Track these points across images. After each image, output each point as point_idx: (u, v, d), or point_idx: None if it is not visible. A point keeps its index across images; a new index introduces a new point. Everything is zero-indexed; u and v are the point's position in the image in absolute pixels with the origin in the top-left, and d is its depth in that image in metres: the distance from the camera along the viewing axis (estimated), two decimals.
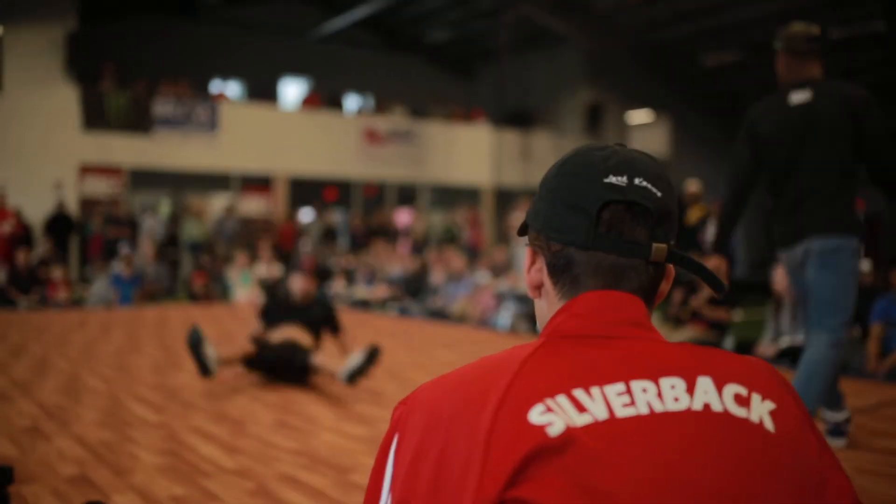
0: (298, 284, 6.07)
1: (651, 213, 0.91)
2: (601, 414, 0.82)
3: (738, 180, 3.66)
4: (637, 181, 0.91)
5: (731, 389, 0.87)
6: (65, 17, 15.92)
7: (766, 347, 6.69)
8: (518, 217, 12.85)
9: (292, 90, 21.70)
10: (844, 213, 3.50)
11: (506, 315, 9.54)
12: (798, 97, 3.58)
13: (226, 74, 18.73)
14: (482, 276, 11.11)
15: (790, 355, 6.46)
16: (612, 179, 0.91)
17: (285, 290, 6.42)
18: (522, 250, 8.36)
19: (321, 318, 5.94)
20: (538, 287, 0.98)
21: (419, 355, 7.20)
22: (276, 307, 6.09)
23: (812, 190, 3.48)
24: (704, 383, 0.87)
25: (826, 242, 3.43)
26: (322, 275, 6.17)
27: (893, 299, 6.26)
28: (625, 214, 0.91)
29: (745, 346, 7.06)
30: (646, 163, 0.94)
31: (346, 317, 10.78)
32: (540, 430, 0.80)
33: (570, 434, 0.80)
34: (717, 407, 0.85)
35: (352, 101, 20.58)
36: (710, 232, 10.94)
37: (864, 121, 3.42)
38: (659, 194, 0.92)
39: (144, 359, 6.73)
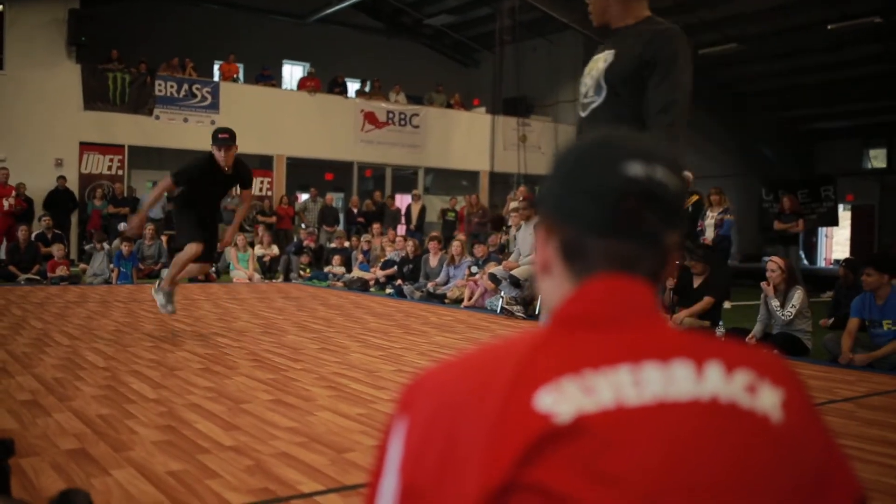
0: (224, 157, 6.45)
1: (667, 203, 0.91)
2: (610, 399, 0.82)
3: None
4: (656, 171, 0.91)
5: (741, 376, 0.87)
6: None
7: (758, 335, 6.76)
8: (514, 202, 12.89)
9: (292, 73, 21.66)
10: None
11: (498, 299, 9.58)
12: None
13: (226, 57, 18.68)
14: (477, 261, 11.14)
15: (780, 344, 6.52)
16: (631, 167, 0.90)
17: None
18: (520, 234, 8.38)
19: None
20: (548, 267, 0.97)
21: (415, 337, 7.25)
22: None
23: None
24: (714, 369, 0.86)
25: None
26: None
27: (868, 298, 6.33)
28: (641, 203, 0.90)
29: (737, 335, 7.12)
30: (663, 151, 0.94)
31: (343, 298, 10.84)
32: (547, 416, 0.80)
33: (578, 419, 0.80)
34: (725, 395, 0.85)
35: (352, 85, 20.54)
36: (710, 216, 11.05)
37: None
38: (675, 184, 0.92)
39: (143, 335, 6.78)
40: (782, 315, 6.61)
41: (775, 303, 6.70)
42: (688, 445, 0.81)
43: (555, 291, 0.96)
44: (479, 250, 11.49)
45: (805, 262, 19.95)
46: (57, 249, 12.44)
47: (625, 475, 0.78)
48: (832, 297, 9.82)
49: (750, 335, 6.83)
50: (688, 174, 9.88)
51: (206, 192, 6.41)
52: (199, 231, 6.44)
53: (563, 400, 0.81)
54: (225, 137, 6.41)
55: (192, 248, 6.39)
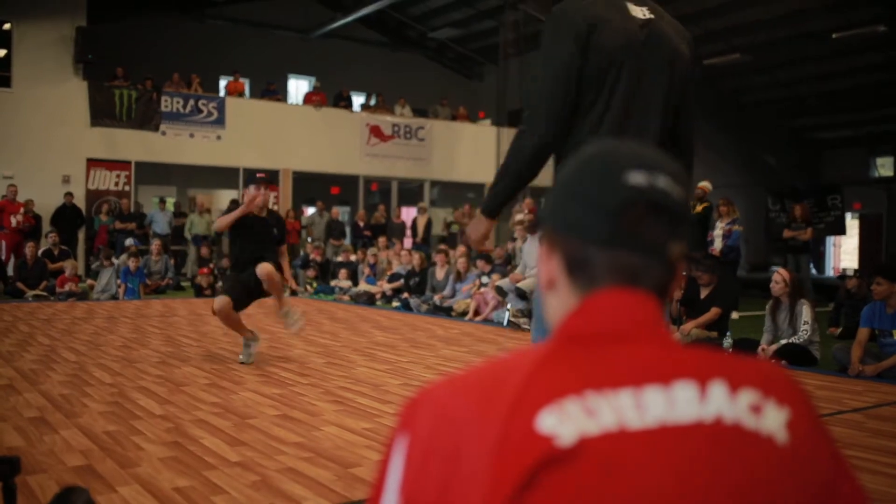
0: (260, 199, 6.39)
1: (670, 212, 0.90)
2: (612, 422, 0.81)
3: (560, 109, 2.37)
4: (658, 180, 0.90)
5: (746, 396, 0.85)
6: (74, 14, 15.98)
7: (765, 347, 6.73)
8: (520, 215, 12.89)
9: (298, 87, 21.74)
10: None
11: (505, 311, 9.57)
12: (638, 11, 2.45)
13: (231, 72, 18.78)
14: (483, 273, 11.13)
15: (789, 355, 6.50)
16: (634, 177, 0.89)
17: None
18: (526, 246, 8.36)
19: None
20: (552, 283, 0.96)
21: (422, 351, 7.24)
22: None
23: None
24: (718, 389, 0.85)
25: None
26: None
27: (878, 307, 6.30)
28: (646, 213, 0.89)
29: (744, 345, 7.09)
30: (666, 160, 0.93)
31: (349, 311, 10.84)
32: (549, 438, 0.79)
33: (579, 443, 0.79)
34: (729, 417, 0.83)
35: (357, 99, 20.61)
36: (718, 227, 11.03)
37: (694, 69, 2.57)
38: (678, 194, 0.91)
39: (150, 351, 6.78)
40: (797, 339, 6.58)
41: (784, 323, 6.72)
42: (691, 469, 0.80)
43: (559, 307, 0.94)
44: (482, 266, 11.40)
45: (814, 271, 19.89)
46: (70, 266, 12.48)
47: (627, 500, 0.77)
48: (832, 309, 9.80)
49: (761, 346, 6.79)
50: (706, 184, 9.79)
51: (247, 236, 6.26)
52: (236, 289, 6.25)
53: (565, 422, 0.80)
54: (263, 176, 6.50)
55: (217, 301, 6.21)
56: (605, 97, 2.39)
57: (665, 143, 2.50)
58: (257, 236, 6.33)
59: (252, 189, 6.37)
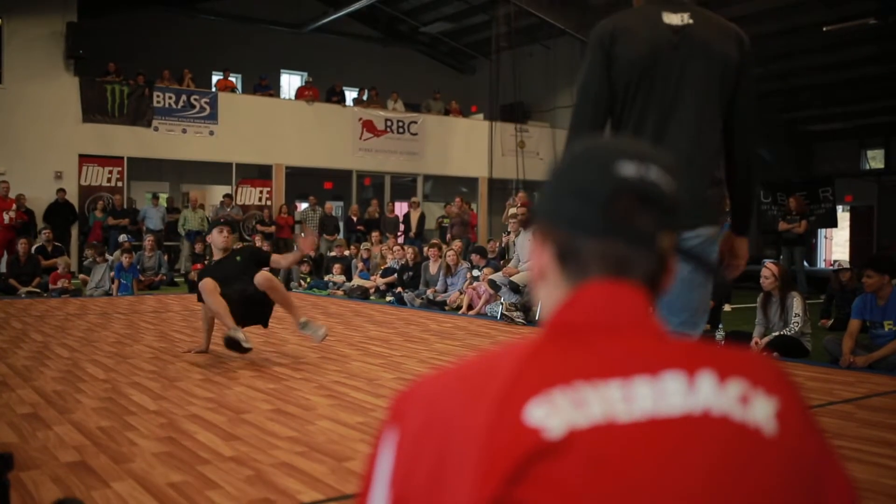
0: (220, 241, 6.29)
1: (661, 203, 0.90)
2: (601, 414, 0.81)
3: (592, 120, 2.49)
4: (649, 171, 0.90)
5: (734, 386, 0.85)
6: (65, 9, 15.92)
7: (758, 340, 6.76)
8: (513, 208, 12.90)
9: (290, 82, 21.71)
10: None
11: (498, 305, 9.58)
12: (674, 18, 2.48)
13: (223, 67, 18.74)
14: (476, 267, 11.14)
15: (781, 347, 6.53)
16: (624, 168, 0.90)
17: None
18: (519, 240, 8.36)
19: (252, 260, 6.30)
20: (544, 274, 0.96)
21: (416, 345, 7.25)
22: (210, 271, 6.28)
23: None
24: (706, 379, 0.85)
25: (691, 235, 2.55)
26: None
27: (869, 299, 6.35)
28: (635, 203, 0.89)
29: (736, 338, 7.12)
30: (658, 152, 0.94)
31: (343, 306, 10.84)
32: (538, 431, 0.79)
33: (568, 436, 0.79)
34: (717, 408, 0.84)
35: (350, 94, 20.58)
36: None
37: (746, 71, 2.53)
38: (669, 184, 0.91)
39: (143, 347, 6.78)
40: (788, 331, 6.61)
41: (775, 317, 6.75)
42: (679, 463, 0.81)
43: (550, 298, 0.95)
44: (477, 259, 11.42)
45: (805, 263, 19.97)
46: (63, 262, 12.45)
47: (615, 494, 0.78)
48: (824, 301, 9.85)
49: (753, 339, 6.81)
50: None
51: (223, 278, 5.98)
52: (234, 300, 5.92)
53: (554, 413, 0.80)
54: (219, 220, 6.43)
55: (205, 283, 5.91)
56: (632, 106, 2.45)
57: (705, 152, 2.49)
58: (235, 283, 5.99)
59: (214, 233, 6.30)
